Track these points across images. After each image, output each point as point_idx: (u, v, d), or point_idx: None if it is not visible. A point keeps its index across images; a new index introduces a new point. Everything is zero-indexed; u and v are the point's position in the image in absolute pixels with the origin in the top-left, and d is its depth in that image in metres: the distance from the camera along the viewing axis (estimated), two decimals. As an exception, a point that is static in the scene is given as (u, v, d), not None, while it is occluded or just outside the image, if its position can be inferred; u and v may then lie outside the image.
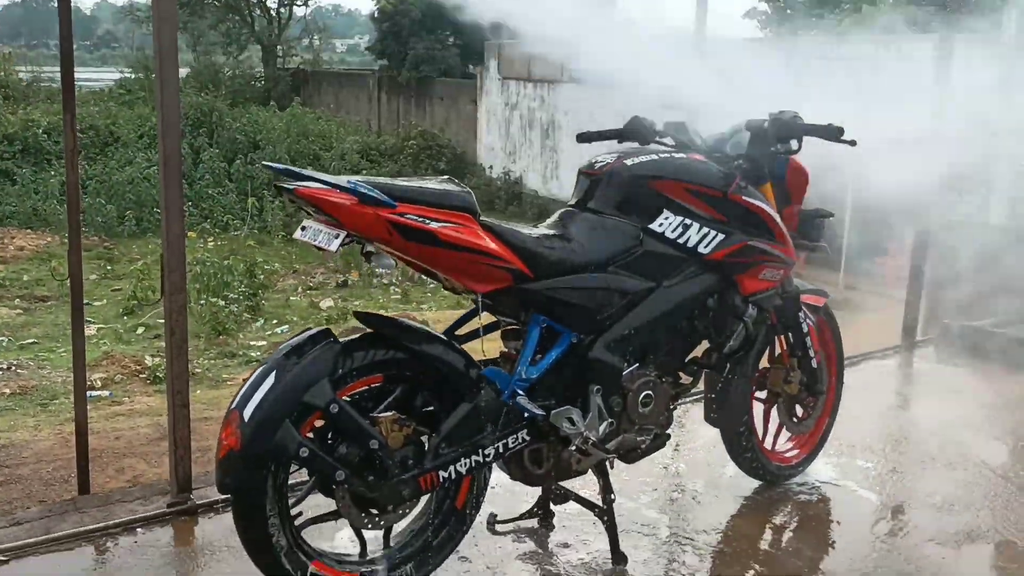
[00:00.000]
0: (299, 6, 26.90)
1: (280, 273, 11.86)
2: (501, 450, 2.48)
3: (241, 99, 20.56)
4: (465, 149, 17.57)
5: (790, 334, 3.20)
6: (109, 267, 11.39)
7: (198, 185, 14.33)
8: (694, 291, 2.75)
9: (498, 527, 2.91)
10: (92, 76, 27.23)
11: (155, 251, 11.39)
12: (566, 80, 15.49)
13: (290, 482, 2.32)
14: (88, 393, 6.61)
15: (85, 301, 9.86)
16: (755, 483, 3.31)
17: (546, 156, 15.76)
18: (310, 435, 2.30)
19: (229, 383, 7.41)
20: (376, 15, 21.22)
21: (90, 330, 9.09)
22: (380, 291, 11.60)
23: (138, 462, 6.24)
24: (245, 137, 15.74)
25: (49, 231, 12.68)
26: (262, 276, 11.09)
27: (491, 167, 17.18)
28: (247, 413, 2.20)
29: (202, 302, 9.87)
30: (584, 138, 3.14)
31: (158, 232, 11.13)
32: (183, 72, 15.37)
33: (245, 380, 2.28)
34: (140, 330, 9.22)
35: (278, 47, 25.36)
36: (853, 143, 2.80)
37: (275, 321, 9.88)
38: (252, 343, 9.01)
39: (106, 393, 6.98)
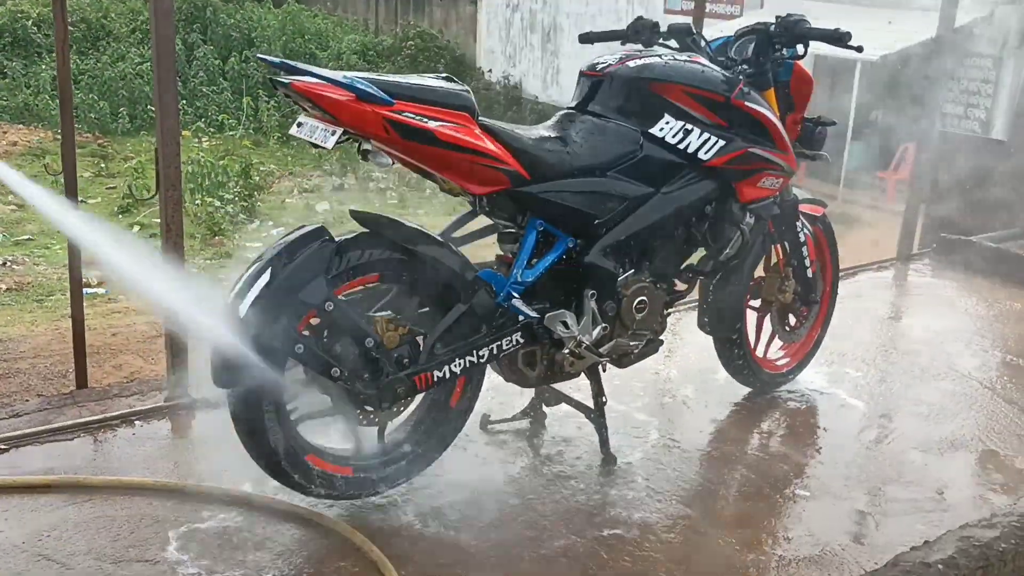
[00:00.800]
0: None
1: (276, 174, 11.77)
2: (495, 352, 2.50)
3: (235, -5, 19.98)
4: (464, 52, 17.21)
5: (786, 243, 3.20)
6: (103, 165, 11.28)
7: (192, 83, 14.06)
8: (693, 198, 2.73)
9: (491, 427, 2.96)
10: (81, -33, 26.36)
11: (149, 149, 11.23)
12: (569, -19, 15.07)
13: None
14: (84, 290, 6.64)
15: (80, 199, 9.84)
16: (745, 390, 3.35)
17: (547, 60, 15.46)
18: (306, 332, 2.31)
19: (225, 283, 7.44)
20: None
21: (85, 228, 9.06)
22: (376, 195, 11.54)
23: (135, 359, 6.30)
24: (240, 34, 15.38)
25: (42, 126, 12.50)
26: (257, 177, 11.01)
27: (490, 70, 16.85)
28: (243, 309, 2.20)
29: (197, 202, 9.81)
30: (586, 39, 3.08)
31: (152, 130, 10.89)
32: (175, -36, 14.92)
33: (240, 276, 2.28)
34: (136, 229, 9.20)
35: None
36: (860, 49, 2.74)
37: (271, 223, 9.84)
38: (248, 244, 9.00)
39: (103, 290, 7.00)
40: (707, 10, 6.23)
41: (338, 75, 2.17)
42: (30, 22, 14.41)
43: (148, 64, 13.64)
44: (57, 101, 12.61)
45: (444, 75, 2.42)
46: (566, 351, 2.59)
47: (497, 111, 15.30)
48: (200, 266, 8.19)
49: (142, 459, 2.71)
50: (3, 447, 2.73)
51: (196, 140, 12.58)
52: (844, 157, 12.40)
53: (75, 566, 2.21)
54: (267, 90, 13.78)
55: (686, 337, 3.76)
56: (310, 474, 2.38)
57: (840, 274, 3.58)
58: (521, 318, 2.52)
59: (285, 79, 2.15)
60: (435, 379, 2.42)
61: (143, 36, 14.70)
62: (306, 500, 2.46)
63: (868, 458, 2.98)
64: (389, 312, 2.40)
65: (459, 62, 16.73)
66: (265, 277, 2.22)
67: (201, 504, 2.50)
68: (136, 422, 2.92)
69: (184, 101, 13.74)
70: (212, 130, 13.29)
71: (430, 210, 10.54)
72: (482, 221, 2.68)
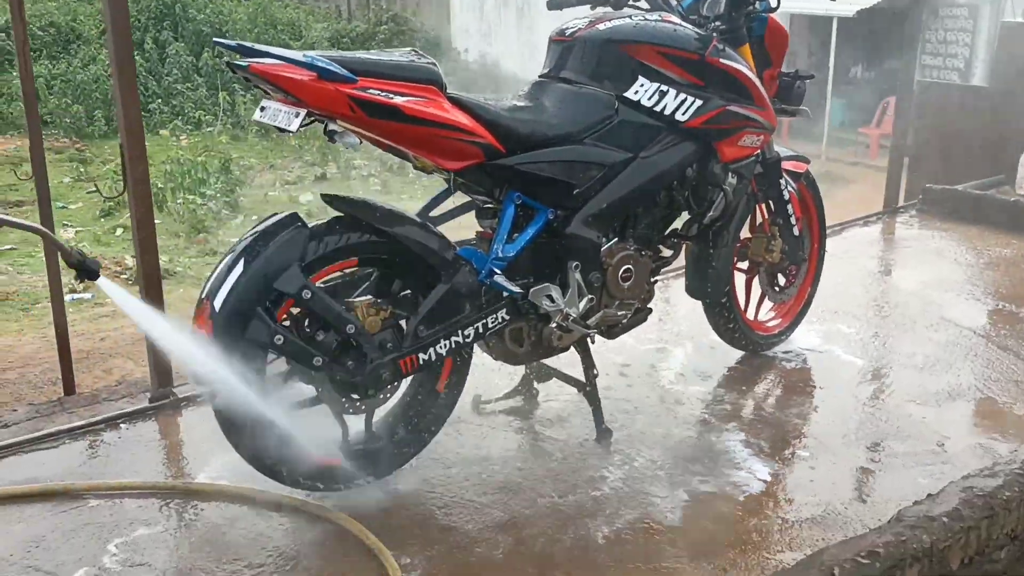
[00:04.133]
0: None
1: (256, 168, 11.66)
2: (480, 330, 2.45)
3: (204, -11, 19.72)
4: (439, 33, 17.06)
5: (771, 202, 3.15)
6: (82, 169, 11.15)
7: (166, 81, 13.91)
8: (673, 161, 2.67)
9: (483, 407, 2.91)
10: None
11: (126, 150, 11.09)
12: (540, -45, 14.91)
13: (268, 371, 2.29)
14: (71, 296, 6.55)
15: (61, 204, 9.69)
16: (739, 353, 3.32)
17: (523, 37, 15.33)
18: (285, 322, 2.26)
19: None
20: None
21: (68, 233, 8.96)
22: (359, 182, 11.45)
23: (125, 362, 6.24)
24: (211, 29, 15.20)
25: (17, 134, 12.34)
26: (238, 172, 10.91)
27: (466, 50, 16.72)
28: (217, 302, 2.15)
29: (179, 201, 9.71)
30: (554, 5, 3.00)
31: (126, 130, 10.62)
32: (142, -38, 14.73)
33: (214, 268, 2.22)
34: (119, 231, 9.10)
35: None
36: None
37: (254, 217, 9.75)
38: (232, 239, 8.91)
39: (88, 295, 6.92)
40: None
41: (297, 54, 2.10)
42: (-2, 30, 14.21)
43: (120, 65, 13.49)
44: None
45: (408, 48, 2.35)
46: (553, 325, 2.55)
47: (476, 91, 15.12)
48: (185, 265, 8.12)
49: (129, 463, 2.66)
50: (-14, 459, 2.67)
51: (174, 139, 12.45)
52: (825, 115, 12.35)
53: None
54: (243, 84, 13.62)
55: (675, 303, 3.72)
56: (299, 466, 2.34)
57: (827, 231, 3.54)
58: (505, 294, 2.47)
59: (243, 62, 2.08)
60: (420, 362, 2.37)
61: (113, 37, 14.50)
62: (297, 492, 2.42)
63: (866, 414, 2.95)
64: (369, 296, 2.35)
65: (434, 44, 16.58)
66: (239, 268, 2.16)
67: (193, 501, 2.45)
68: (122, 425, 2.86)
69: (159, 99, 13.58)
70: (190, 128, 13.16)
71: (414, 194, 10.47)
72: (460, 198, 2.62)
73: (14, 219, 1.37)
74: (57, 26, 14.70)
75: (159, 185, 9.89)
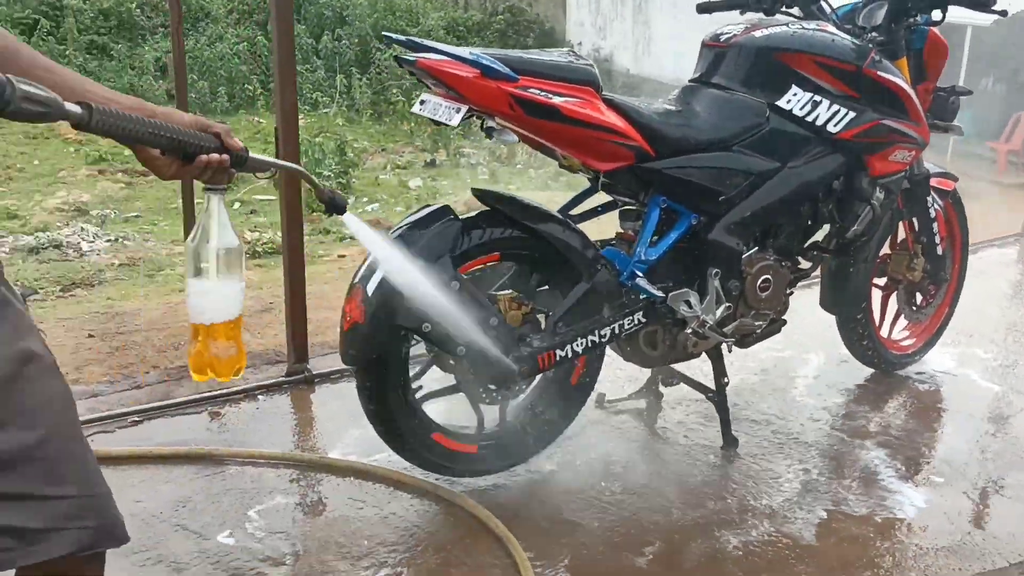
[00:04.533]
0: None
1: (369, 151, 11.89)
2: (617, 331, 2.46)
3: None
4: (553, 25, 17.05)
5: (916, 219, 3.07)
6: (204, 143, 11.56)
7: (287, 61, 14.29)
8: (820, 172, 2.63)
9: (607, 406, 2.93)
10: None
11: (249, 127, 11.53)
12: (661, -50, 14.75)
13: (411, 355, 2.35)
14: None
15: (184, 177, 10.11)
16: (868, 371, 3.24)
17: (638, 32, 15.19)
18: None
19: (324, 258, 7.53)
20: None
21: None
22: (467, 171, 11.56)
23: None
24: (332, 13, 15.55)
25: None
26: (352, 154, 11.13)
27: (580, 43, 16.66)
28: (370, 288, 2.21)
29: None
30: (704, 8, 2.99)
31: (251, 109, 11.11)
32: (269, -55, 15.14)
33: (366, 256, 2.29)
34: (236, 205, 9.42)
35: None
36: (1004, 13, 2.59)
37: (365, 199, 9.96)
38: (342, 222, 9.13)
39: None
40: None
41: (464, 51, 2.15)
42: (134, 5, 14.84)
43: (245, 44, 13.92)
44: (160, 82, 12.95)
45: (566, 49, 2.37)
46: (689, 331, 2.54)
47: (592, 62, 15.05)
48: (300, 242, 8.34)
49: (266, 432, 2.77)
50: (136, 419, 2.82)
51: (292, 118, 12.77)
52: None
53: (211, 536, 2.27)
54: (359, 67, 13.91)
55: (805, 314, 3.65)
56: (435, 451, 2.40)
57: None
58: (643, 297, 2.47)
59: (411, 56, 2.14)
60: (557, 358, 2.39)
61: (240, 17, 15.00)
62: (430, 475, 2.48)
63: (1005, 443, 2.85)
64: (512, 291, 2.39)
65: (548, 36, 16.59)
66: (392, 256, 2.22)
67: (328, 476, 2.54)
68: (259, 396, 2.98)
69: (279, 80, 13.96)
70: (307, 108, 13.49)
71: (521, 185, 10.52)
72: (600, 198, 2.63)
73: (270, 159, 1.44)
74: (187, 4, 15.27)
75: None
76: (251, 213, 8.91)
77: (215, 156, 1.26)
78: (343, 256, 7.65)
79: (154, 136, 1.19)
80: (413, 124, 12.20)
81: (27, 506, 1.16)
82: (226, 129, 1.28)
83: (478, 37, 15.97)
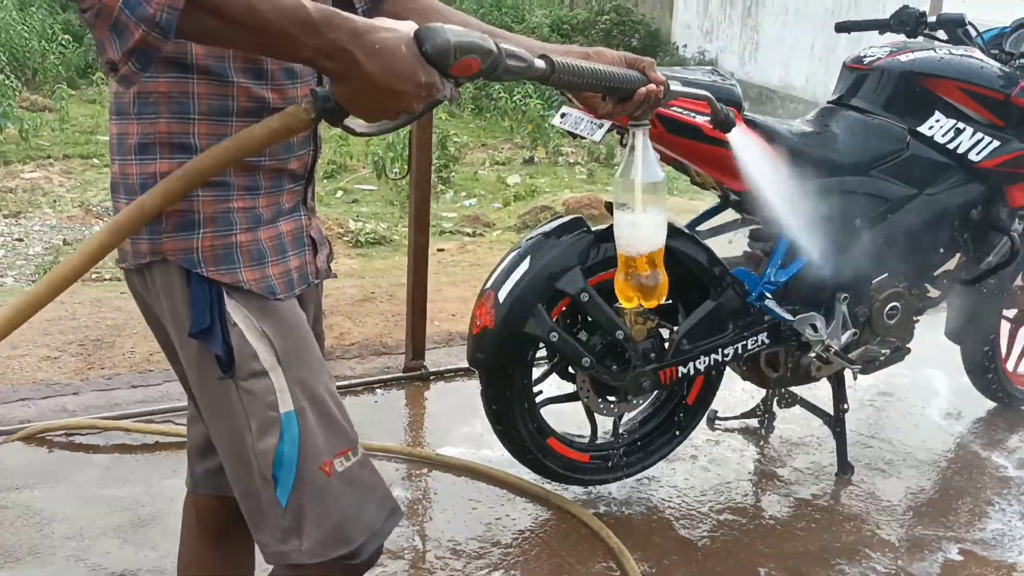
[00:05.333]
0: None
1: (469, 146, 12.02)
2: (740, 351, 2.46)
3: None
4: (659, 27, 16.91)
5: (1054, 253, 2.96)
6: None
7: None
8: (958, 201, 2.58)
9: (719, 424, 2.92)
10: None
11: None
12: (774, -46, 14.49)
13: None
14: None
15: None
16: (990, 404, 3.15)
17: (746, 36, 14.96)
18: (557, 320, 2.35)
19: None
20: None
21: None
22: (566, 169, 11.58)
23: (343, 320, 6.63)
24: (438, 6, 15.78)
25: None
26: (452, 149, 11.27)
27: (685, 46, 16.49)
28: (502, 295, 2.26)
29: (395, 170, 10.16)
30: (843, 27, 2.94)
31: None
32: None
33: (499, 262, 2.34)
34: (339, 193, 9.63)
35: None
36: None
37: (463, 194, 10.07)
38: (443, 214, 9.26)
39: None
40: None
41: (610, 67, 2.17)
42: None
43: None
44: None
45: (710, 67, 2.38)
46: (813, 355, 2.52)
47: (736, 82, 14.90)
48: (401, 234, 8.51)
49: (385, 428, 2.84)
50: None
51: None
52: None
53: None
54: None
55: (929, 339, 3.57)
56: (549, 456, 2.44)
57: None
58: (767, 318, 2.46)
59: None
60: (679, 375, 2.41)
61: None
62: (544, 481, 2.52)
63: None
64: (639, 305, 2.40)
65: (654, 37, 16.46)
66: (524, 265, 2.27)
67: (442, 473, 2.60)
68: (377, 390, 3.07)
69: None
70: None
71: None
72: (728, 215, 2.63)
73: (686, 88, 1.46)
74: None
75: (379, 154, 10.40)
76: (353, 203, 9.13)
77: (650, 91, 1.28)
78: (442, 250, 7.76)
79: (600, 84, 1.23)
80: (513, 121, 12.28)
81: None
82: (650, 62, 1.30)
83: (583, 36, 15.95)
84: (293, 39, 0.98)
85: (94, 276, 5.32)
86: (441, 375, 3.15)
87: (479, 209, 9.01)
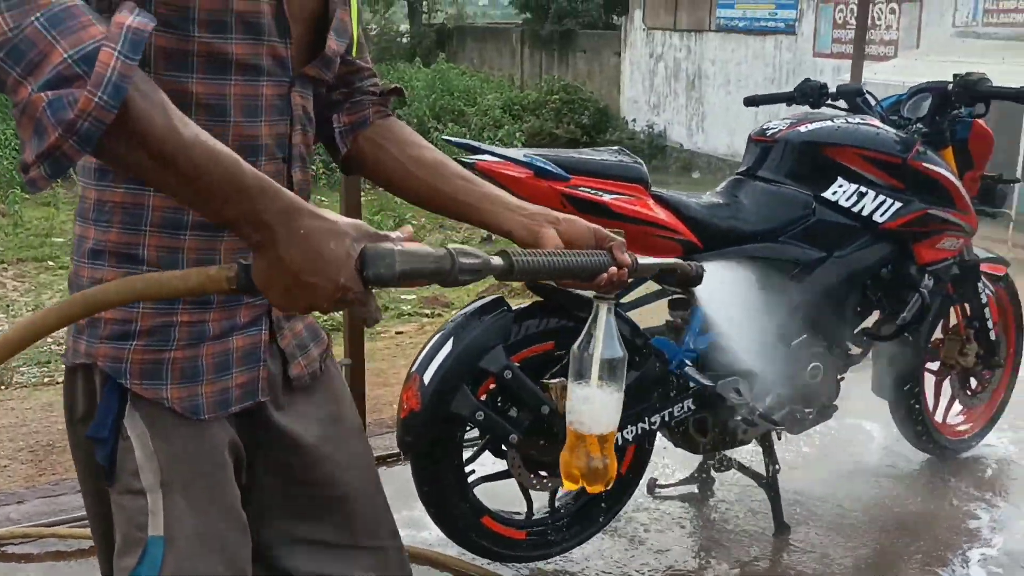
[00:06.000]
0: (442, -40, 27.09)
1: (428, 227, 12.15)
2: (667, 419, 2.51)
3: (387, 56, 20.97)
4: (607, 103, 17.38)
5: (967, 305, 3.07)
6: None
7: (349, 141, 14.75)
8: (868, 261, 2.69)
9: (658, 491, 2.95)
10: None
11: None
12: (713, 29, 15.06)
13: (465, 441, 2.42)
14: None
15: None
16: (923, 456, 3.22)
17: (691, 108, 15.41)
18: (484, 399, 2.39)
19: (382, 335, 7.70)
20: (518, -33, 21.14)
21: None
22: (524, 247, 11.74)
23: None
24: (392, 94, 16.11)
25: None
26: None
27: (634, 120, 16.95)
28: (427, 377, 2.30)
29: (354, 256, 10.22)
30: (751, 102, 3.09)
31: (312, 187, 11.29)
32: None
33: (424, 345, 2.39)
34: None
35: (423, 2, 25.66)
36: (1047, 105, 2.64)
37: (424, 276, 10.14)
38: (403, 296, 9.31)
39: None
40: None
41: (518, 153, 2.27)
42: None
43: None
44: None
45: (616, 148, 2.48)
46: (739, 418, 2.57)
47: (641, 157, 15.30)
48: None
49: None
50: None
51: (353, 196, 13.11)
52: (1014, 199, 11.74)
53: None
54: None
55: (857, 397, 3.64)
56: (485, 535, 2.45)
57: (1024, 334, 3.40)
58: (692, 385, 2.52)
59: (470, 159, 2.27)
60: (608, 445, 2.44)
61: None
62: (485, 560, 2.52)
63: (1066, 534, 2.80)
64: (562, 379, 2.45)
65: (603, 113, 16.90)
66: (448, 346, 2.31)
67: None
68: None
69: (341, 159, 14.38)
70: (367, 186, 13.87)
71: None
72: (650, 287, 2.71)
73: (655, 260, 1.36)
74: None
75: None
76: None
77: (612, 275, 1.22)
78: (401, 333, 7.78)
79: (563, 272, 1.18)
80: (470, 201, 12.47)
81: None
82: (620, 243, 1.24)
83: (534, 115, 16.34)
84: (222, 196, 0.91)
85: (46, 380, 5.29)
86: (383, 460, 3.15)
87: (438, 290, 9.05)
